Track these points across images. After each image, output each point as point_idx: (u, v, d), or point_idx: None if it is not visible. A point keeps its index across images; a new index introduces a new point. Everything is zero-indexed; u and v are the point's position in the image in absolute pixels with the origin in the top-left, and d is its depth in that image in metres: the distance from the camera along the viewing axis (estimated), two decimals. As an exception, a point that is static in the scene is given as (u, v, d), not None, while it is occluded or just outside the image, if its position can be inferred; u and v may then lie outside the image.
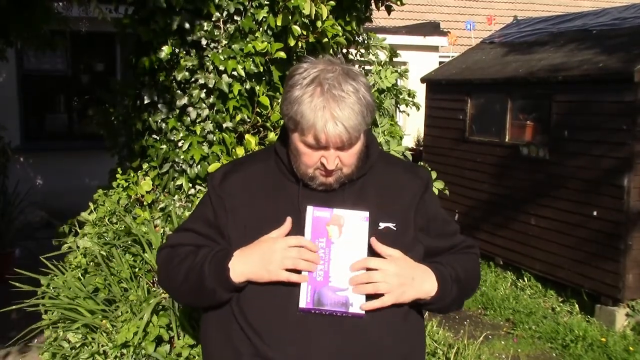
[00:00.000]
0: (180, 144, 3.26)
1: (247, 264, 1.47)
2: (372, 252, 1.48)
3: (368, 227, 1.48)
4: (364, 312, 1.44)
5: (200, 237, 1.60)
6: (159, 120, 3.34)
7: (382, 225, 1.52)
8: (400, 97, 4.36)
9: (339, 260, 1.46)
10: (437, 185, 3.47)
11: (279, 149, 1.59)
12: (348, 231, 1.47)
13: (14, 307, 3.33)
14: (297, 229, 1.48)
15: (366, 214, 1.49)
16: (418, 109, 4.62)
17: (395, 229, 1.54)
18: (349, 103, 1.41)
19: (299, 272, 1.45)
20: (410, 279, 1.47)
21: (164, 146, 3.32)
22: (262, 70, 3.22)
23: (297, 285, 1.45)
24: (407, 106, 4.46)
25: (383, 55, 4.51)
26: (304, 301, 1.43)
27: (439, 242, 1.63)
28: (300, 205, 1.51)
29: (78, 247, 3.35)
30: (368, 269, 1.45)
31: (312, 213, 1.47)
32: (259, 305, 1.49)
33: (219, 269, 1.49)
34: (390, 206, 1.55)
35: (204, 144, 3.23)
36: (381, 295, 1.45)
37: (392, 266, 1.46)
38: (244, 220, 1.55)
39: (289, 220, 1.49)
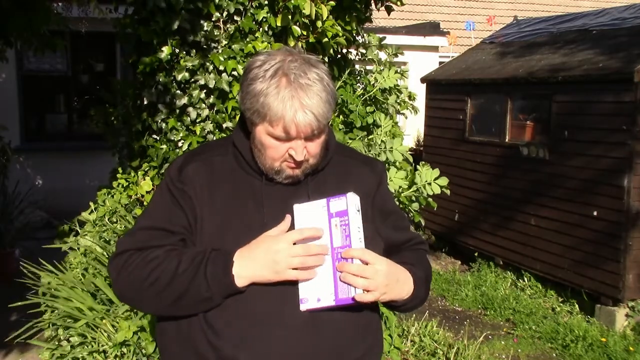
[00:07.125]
0: (180, 144, 3.26)
1: (250, 267, 1.39)
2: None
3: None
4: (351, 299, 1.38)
5: (169, 235, 1.47)
6: (159, 120, 3.35)
7: None
8: (400, 98, 4.35)
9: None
10: (441, 182, 3.44)
11: (239, 143, 1.52)
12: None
13: (16, 303, 3.34)
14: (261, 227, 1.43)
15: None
16: (416, 112, 4.61)
17: None
18: (316, 91, 1.38)
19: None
20: (395, 281, 1.43)
21: (164, 146, 3.32)
22: (262, 71, 3.22)
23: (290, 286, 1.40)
24: (407, 109, 4.46)
25: (384, 55, 4.51)
26: (334, 296, 1.38)
27: (395, 234, 1.60)
28: (264, 201, 1.46)
29: (78, 246, 3.36)
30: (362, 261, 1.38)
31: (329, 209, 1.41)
32: (242, 310, 1.41)
33: (219, 274, 1.39)
34: None
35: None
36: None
37: (384, 265, 1.40)
38: (207, 214, 1.47)
39: (288, 217, 1.43)
